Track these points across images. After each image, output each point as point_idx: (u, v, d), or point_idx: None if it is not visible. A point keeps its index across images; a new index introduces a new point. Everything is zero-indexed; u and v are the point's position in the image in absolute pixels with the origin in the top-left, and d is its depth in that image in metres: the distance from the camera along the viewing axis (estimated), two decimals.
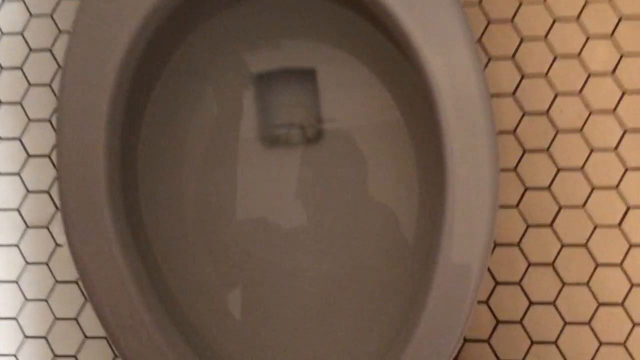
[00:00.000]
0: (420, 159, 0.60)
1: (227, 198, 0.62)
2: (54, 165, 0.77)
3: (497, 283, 0.69)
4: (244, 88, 0.62)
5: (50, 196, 0.76)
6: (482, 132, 0.48)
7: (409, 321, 0.50)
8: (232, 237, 0.63)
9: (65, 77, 0.54)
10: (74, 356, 0.75)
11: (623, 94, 0.70)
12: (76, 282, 0.75)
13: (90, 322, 0.75)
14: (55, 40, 0.78)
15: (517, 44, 0.71)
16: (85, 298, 0.74)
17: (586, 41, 0.70)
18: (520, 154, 0.70)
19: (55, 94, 0.78)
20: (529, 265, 0.69)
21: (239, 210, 0.62)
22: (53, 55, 0.78)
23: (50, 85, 0.78)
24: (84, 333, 0.75)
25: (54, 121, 0.78)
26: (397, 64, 0.59)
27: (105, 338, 0.74)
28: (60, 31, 0.78)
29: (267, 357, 0.60)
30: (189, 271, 0.60)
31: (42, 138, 0.77)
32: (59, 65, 0.78)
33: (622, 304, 0.67)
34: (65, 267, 0.76)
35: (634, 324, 0.67)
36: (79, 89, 0.54)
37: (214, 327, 0.59)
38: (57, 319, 0.75)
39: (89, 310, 0.75)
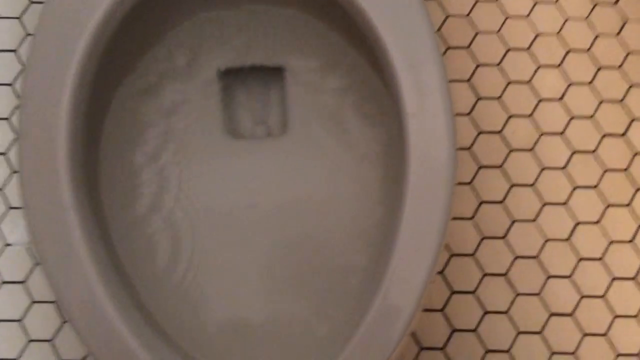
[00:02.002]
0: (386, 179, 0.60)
1: (189, 188, 0.59)
2: (9, 163, 0.73)
3: (452, 292, 0.68)
4: (211, 81, 0.61)
5: (4, 195, 0.72)
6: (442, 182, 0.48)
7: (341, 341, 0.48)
8: (190, 228, 0.60)
9: (29, 77, 0.52)
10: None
11: (571, 118, 0.73)
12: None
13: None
14: (21, 42, 0.76)
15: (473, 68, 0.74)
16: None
17: (537, 70, 0.74)
18: (475, 169, 0.71)
19: (16, 95, 0.75)
20: (484, 275, 0.69)
21: (199, 201, 0.60)
22: (18, 56, 0.76)
23: (12, 85, 0.75)
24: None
25: (14, 120, 0.74)
26: (367, 80, 0.60)
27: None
28: (27, 34, 0.76)
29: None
30: (149, 258, 0.57)
31: (1, 136, 0.73)
32: (23, 66, 0.75)
33: (572, 315, 0.68)
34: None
35: (584, 334, 0.67)
36: (42, 87, 0.52)
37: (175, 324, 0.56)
38: None
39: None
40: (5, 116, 0.74)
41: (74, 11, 0.52)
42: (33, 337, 0.68)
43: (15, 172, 0.72)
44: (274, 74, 0.62)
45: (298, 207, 0.59)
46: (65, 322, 0.68)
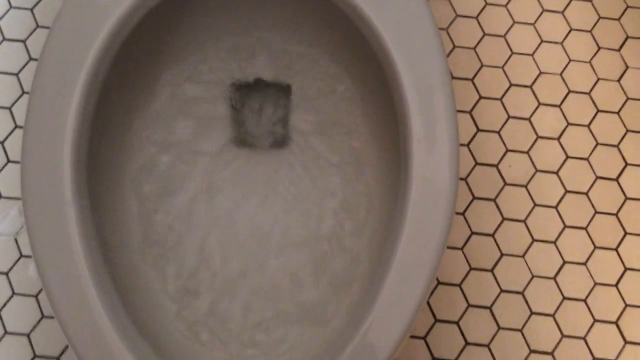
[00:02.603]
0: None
1: (193, 191, 0.59)
2: (5, 152, 0.72)
3: (436, 320, 0.68)
4: (221, 92, 0.61)
5: None
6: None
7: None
8: (191, 232, 0.59)
9: (40, 68, 0.51)
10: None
11: (566, 158, 0.72)
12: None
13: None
14: (31, 33, 0.75)
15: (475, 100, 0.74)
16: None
17: (537, 107, 0.74)
18: (469, 199, 0.71)
19: (20, 85, 0.74)
20: (468, 306, 0.68)
21: (202, 205, 0.59)
22: (26, 47, 0.75)
23: (17, 75, 0.74)
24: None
25: (14, 110, 0.73)
26: (375, 98, 0.60)
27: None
28: (38, 25, 0.76)
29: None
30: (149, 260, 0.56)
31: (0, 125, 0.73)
32: (30, 57, 0.75)
33: (551, 354, 0.67)
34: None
35: None
36: (51, 87, 0.50)
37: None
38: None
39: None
40: (6, 105, 0.73)
41: (93, 9, 0.51)
42: (10, 330, 0.67)
43: (10, 161, 0.71)
44: (282, 89, 0.62)
45: (291, 219, 0.59)
46: (43, 317, 0.67)
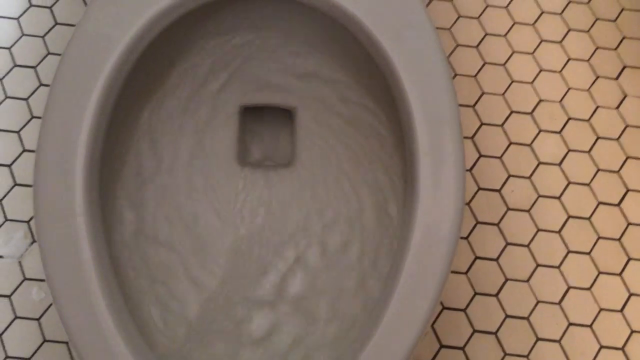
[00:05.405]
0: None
1: (197, 207, 0.55)
2: (12, 175, 0.68)
3: (441, 346, 0.63)
4: (229, 115, 0.57)
5: (2, 207, 0.67)
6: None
7: None
8: (194, 247, 0.55)
9: (54, 90, 0.48)
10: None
11: (568, 184, 0.69)
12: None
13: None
14: (42, 60, 0.72)
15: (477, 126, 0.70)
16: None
17: (538, 134, 0.70)
18: (473, 224, 0.67)
19: (30, 110, 0.71)
20: (474, 332, 0.63)
21: (205, 222, 0.55)
22: (37, 73, 0.72)
23: (27, 100, 0.71)
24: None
25: (22, 134, 0.70)
26: (375, 125, 0.57)
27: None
28: (48, 52, 0.73)
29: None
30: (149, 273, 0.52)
31: (8, 148, 0.69)
32: (40, 83, 0.72)
33: None
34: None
35: None
36: (63, 109, 0.47)
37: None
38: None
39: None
40: (15, 129, 0.70)
41: (101, 39, 0.49)
42: (10, 354, 0.62)
43: (17, 184, 0.67)
44: (287, 112, 0.58)
45: (295, 238, 0.55)
46: (45, 341, 0.62)
